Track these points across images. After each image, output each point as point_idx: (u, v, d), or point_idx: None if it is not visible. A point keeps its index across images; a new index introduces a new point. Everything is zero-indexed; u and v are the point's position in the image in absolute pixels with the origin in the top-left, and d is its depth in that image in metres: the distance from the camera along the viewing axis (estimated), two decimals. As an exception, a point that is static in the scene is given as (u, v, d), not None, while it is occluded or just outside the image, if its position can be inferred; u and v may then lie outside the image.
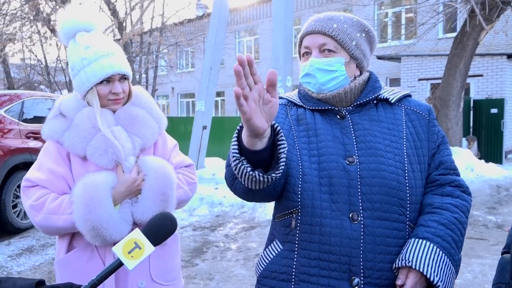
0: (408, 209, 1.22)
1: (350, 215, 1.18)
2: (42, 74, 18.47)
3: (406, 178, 1.22)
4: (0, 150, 5.26)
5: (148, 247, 1.01)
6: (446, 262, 1.18)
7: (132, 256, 0.99)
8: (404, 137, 1.27)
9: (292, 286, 1.22)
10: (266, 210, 6.32)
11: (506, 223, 5.77)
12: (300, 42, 1.35)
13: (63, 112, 1.63)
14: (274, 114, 1.04)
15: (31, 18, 10.58)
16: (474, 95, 12.91)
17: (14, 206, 5.51)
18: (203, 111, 7.53)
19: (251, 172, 1.07)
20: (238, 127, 1.11)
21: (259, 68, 22.20)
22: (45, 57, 17.60)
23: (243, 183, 1.12)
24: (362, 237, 1.17)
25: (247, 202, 6.76)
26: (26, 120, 5.89)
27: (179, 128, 11.23)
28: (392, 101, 1.32)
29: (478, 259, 4.39)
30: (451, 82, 9.31)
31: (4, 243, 5.13)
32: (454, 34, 10.85)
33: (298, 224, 1.23)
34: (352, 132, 1.27)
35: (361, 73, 1.34)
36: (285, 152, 1.10)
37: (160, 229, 1.06)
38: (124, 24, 12.32)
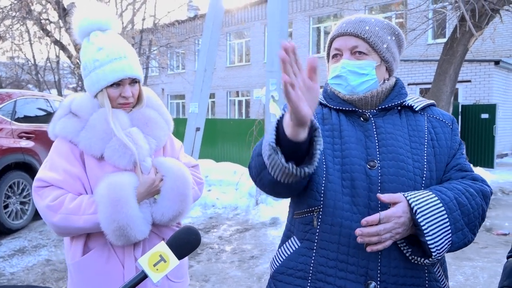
0: None
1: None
2: (30, 73, 18.25)
3: (423, 184, 1.21)
4: (-8, 149, 5.21)
5: (173, 260, 1.03)
6: (442, 214, 1.13)
7: (157, 269, 1.01)
8: (425, 143, 1.26)
9: (309, 284, 1.22)
10: (259, 212, 6.34)
11: (494, 227, 5.88)
12: (330, 44, 1.34)
13: (75, 112, 1.60)
14: (316, 101, 1.03)
15: (23, 16, 10.45)
16: (462, 100, 13.12)
17: (6, 207, 5.44)
18: (197, 113, 7.53)
19: (285, 164, 1.06)
20: (278, 118, 1.10)
21: (250, 70, 22.24)
22: (34, 56, 17.40)
23: (272, 174, 1.11)
24: None
25: (240, 204, 6.77)
26: (18, 120, 5.83)
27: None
28: (417, 109, 1.31)
29: (469, 262, 4.47)
30: (441, 87, 9.45)
31: (-5, 244, 5.07)
32: (443, 40, 11.02)
33: (319, 223, 1.22)
34: (375, 135, 1.26)
35: (390, 76, 1.34)
36: (321, 147, 1.09)
37: (185, 243, 1.07)
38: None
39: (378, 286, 1.17)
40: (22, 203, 5.70)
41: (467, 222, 1.16)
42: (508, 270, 1.19)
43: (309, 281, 1.22)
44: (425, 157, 1.24)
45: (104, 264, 1.55)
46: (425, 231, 1.11)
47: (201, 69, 7.35)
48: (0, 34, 10.43)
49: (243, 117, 22.10)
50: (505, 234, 5.54)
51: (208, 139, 9.93)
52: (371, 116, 1.29)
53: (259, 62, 21.67)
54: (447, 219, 1.13)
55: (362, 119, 1.29)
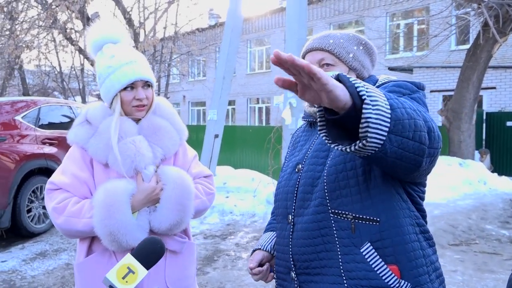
0: (327, 198, 1.21)
1: (288, 217, 1.34)
2: (56, 80, 18.76)
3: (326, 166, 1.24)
4: (16, 155, 5.35)
5: (141, 271, 1.05)
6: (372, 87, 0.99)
7: (126, 281, 1.02)
8: None
9: (275, 281, 1.45)
10: (276, 219, 6.31)
11: (519, 238, 5.69)
12: None
13: (89, 120, 1.68)
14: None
15: (49, 26, 10.78)
16: (487, 107, 12.82)
17: (29, 211, 5.58)
18: (215, 120, 7.59)
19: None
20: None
21: (270, 77, 22.27)
22: (59, 64, 17.90)
23: None
24: (290, 234, 1.32)
25: (258, 212, 6.77)
26: (42, 126, 5.99)
27: (191, 136, 11.13)
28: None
29: (491, 274, 4.34)
30: (464, 94, 9.27)
31: (18, 247, 5.20)
32: (467, 46, 10.82)
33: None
34: (315, 140, 1.35)
35: None
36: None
37: (151, 253, 1.09)
38: (138, 34, 12.53)
39: (295, 272, 1.31)
40: (44, 207, 5.83)
41: (405, 108, 1.00)
42: None
43: (275, 276, 1.45)
44: None
45: (104, 268, 1.57)
46: (351, 80, 0.96)
47: (220, 76, 7.42)
48: (27, 43, 10.78)
49: (263, 124, 22.15)
50: (531, 246, 5.35)
51: (227, 146, 9.98)
52: None
53: (279, 69, 21.59)
54: (380, 92, 1.00)
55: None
